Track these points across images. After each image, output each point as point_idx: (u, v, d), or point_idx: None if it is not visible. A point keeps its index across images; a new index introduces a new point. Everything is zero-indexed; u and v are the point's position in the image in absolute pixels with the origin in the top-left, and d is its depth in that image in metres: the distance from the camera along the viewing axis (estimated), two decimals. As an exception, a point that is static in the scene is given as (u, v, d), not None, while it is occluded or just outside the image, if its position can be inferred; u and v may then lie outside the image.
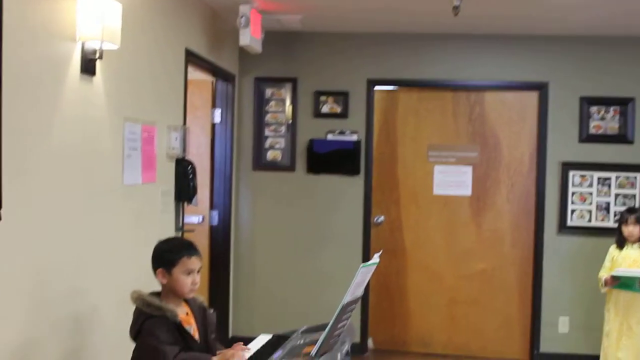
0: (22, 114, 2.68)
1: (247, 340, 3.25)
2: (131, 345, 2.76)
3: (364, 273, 2.68)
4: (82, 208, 3.25)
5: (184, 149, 4.54)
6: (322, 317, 3.44)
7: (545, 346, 5.95)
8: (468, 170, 6.08)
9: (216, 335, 2.99)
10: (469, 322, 6.12)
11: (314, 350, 2.56)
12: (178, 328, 2.72)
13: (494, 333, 6.10)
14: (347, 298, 2.58)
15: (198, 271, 2.88)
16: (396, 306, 6.20)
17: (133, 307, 2.77)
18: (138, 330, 2.72)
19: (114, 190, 3.61)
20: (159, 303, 2.71)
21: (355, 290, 2.66)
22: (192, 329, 2.85)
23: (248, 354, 2.79)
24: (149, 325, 2.68)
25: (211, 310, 2.99)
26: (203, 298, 3.02)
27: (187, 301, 2.92)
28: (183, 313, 2.85)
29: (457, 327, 6.14)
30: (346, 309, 2.64)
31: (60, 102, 3.01)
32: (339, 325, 2.68)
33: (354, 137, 6.00)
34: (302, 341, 2.96)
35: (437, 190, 6.12)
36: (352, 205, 6.05)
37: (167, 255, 2.83)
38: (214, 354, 2.87)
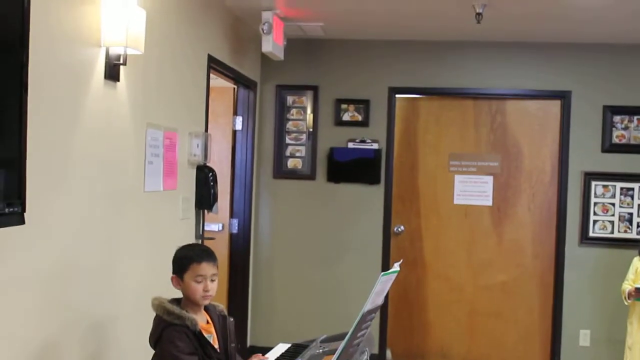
0: (47, 119, 2.70)
1: (265, 350, 3.25)
2: (148, 352, 2.75)
3: (384, 282, 2.66)
4: (103, 214, 3.26)
5: (206, 156, 4.55)
6: (341, 326, 3.43)
7: (566, 359, 5.88)
8: (489, 179, 6.05)
9: (236, 344, 2.96)
10: (489, 333, 6.07)
11: (333, 359, 2.54)
12: (198, 337, 2.70)
13: (514, 345, 6.04)
14: (367, 307, 2.56)
15: (212, 279, 2.83)
16: (415, 317, 6.16)
17: (151, 314, 2.76)
18: (158, 338, 2.71)
19: (135, 196, 3.62)
20: (179, 311, 2.70)
21: (376, 299, 2.64)
22: (212, 337, 2.84)
23: None
24: (169, 333, 2.67)
25: (231, 319, 2.96)
26: (223, 306, 3.00)
27: (207, 309, 2.90)
28: (203, 321, 2.83)
29: (476, 339, 6.10)
30: (366, 317, 2.62)
31: (85, 108, 3.03)
32: (359, 335, 2.66)
33: (375, 146, 5.98)
34: (320, 350, 2.95)
35: (458, 200, 6.09)
36: (372, 215, 6.03)
37: (179, 262, 2.84)
38: None
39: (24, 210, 2.19)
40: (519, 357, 6.02)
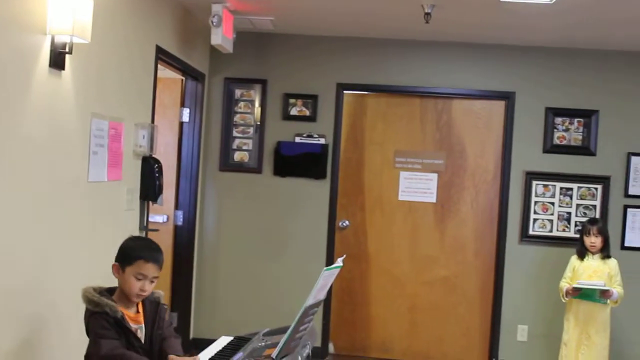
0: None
1: (208, 342, 3.24)
2: (85, 342, 2.74)
3: (327, 277, 2.69)
4: (46, 203, 3.21)
5: (152, 147, 4.51)
6: (284, 320, 3.45)
7: (504, 354, 6.02)
8: (434, 177, 6.13)
9: (165, 332, 2.90)
10: (430, 328, 6.17)
11: (275, 352, 2.56)
12: (119, 324, 2.68)
13: (454, 340, 6.15)
14: (309, 301, 2.59)
15: (152, 281, 2.79)
16: (358, 311, 6.22)
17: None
18: (87, 326, 2.72)
19: (79, 186, 3.57)
20: (98, 299, 2.67)
21: (318, 293, 2.67)
22: (142, 328, 2.81)
23: None
24: (92, 322, 2.68)
25: (165, 305, 2.93)
26: (162, 293, 2.97)
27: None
28: (132, 312, 2.80)
29: (417, 334, 6.19)
30: (308, 312, 2.65)
31: (28, 95, 2.98)
32: (301, 329, 2.68)
33: (322, 141, 6.01)
34: (263, 343, 2.96)
35: (403, 196, 6.16)
36: (317, 209, 6.07)
37: (126, 252, 2.80)
38: (160, 350, 2.82)
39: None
40: (459, 351, 6.13)
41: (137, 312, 2.82)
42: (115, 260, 2.79)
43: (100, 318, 2.64)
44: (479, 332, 6.13)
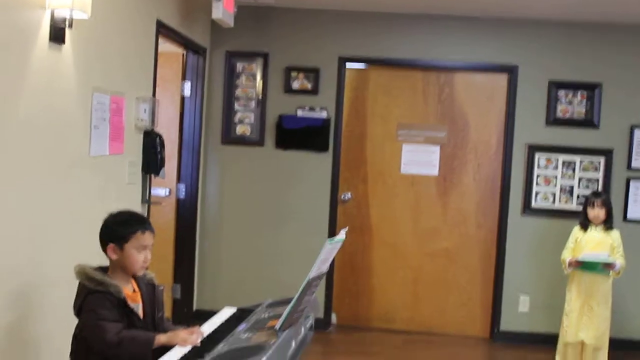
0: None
1: (211, 314, 3.26)
2: (71, 318, 2.71)
3: (330, 249, 2.71)
4: (47, 178, 3.23)
5: (153, 121, 4.51)
6: (287, 291, 3.47)
7: (506, 324, 6.06)
8: (436, 149, 6.13)
9: (163, 313, 2.89)
10: (432, 299, 6.20)
11: (278, 324, 2.59)
12: (122, 304, 2.63)
13: (456, 311, 6.19)
14: (312, 273, 2.61)
15: (150, 249, 2.77)
16: (361, 282, 6.26)
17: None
18: (80, 306, 2.63)
19: (80, 160, 3.58)
20: (101, 277, 2.62)
21: (321, 266, 2.69)
22: (139, 307, 2.77)
23: (199, 338, 2.69)
24: (91, 300, 2.59)
25: (161, 287, 2.90)
26: (153, 274, 2.91)
27: (135, 278, 2.83)
28: (129, 290, 2.77)
29: (420, 305, 6.23)
30: (311, 284, 2.67)
31: (28, 70, 2.98)
32: (304, 300, 2.71)
33: (324, 114, 6.00)
34: (266, 315, 2.99)
35: (405, 169, 6.16)
36: (319, 182, 6.08)
37: (119, 230, 2.72)
38: (160, 332, 2.78)
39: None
40: (460, 322, 6.18)
41: (134, 291, 2.80)
42: (108, 242, 2.71)
43: (103, 298, 2.59)
44: (480, 303, 6.17)
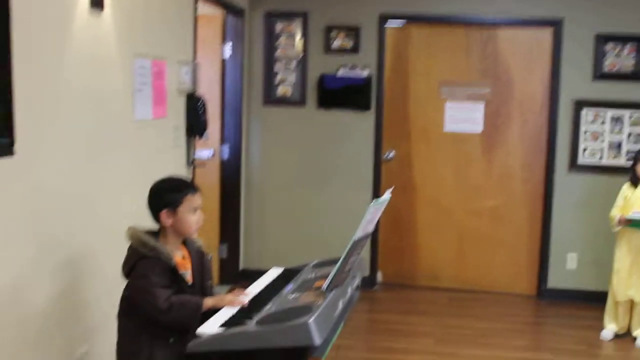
0: (32, 50, 2.67)
1: (257, 273, 3.28)
2: (120, 280, 2.74)
3: (375, 210, 2.70)
4: (92, 144, 3.26)
5: (195, 84, 4.52)
6: (332, 250, 3.49)
7: (553, 282, 6.01)
8: (480, 107, 6.04)
9: (212, 281, 2.91)
10: (478, 257, 6.18)
11: (325, 284, 2.60)
12: (172, 271, 2.65)
13: (502, 268, 6.16)
14: (358, 234, 2.61)
15: (200, 209, 2.79)
16: (406, 241, 6.25)
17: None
18: (130, 269, 2.66)
19: (125, 125, 3.61)
20: (154, 244, 2.64)
21: (367, 226, 2.69)
22: (188, 274, 2.80)
23: (247, 299, 2.71)
24: (142, 265, 2.62)
25: (209, 256, 2.93)
26: (202, 242, 2.93)
27: (185, 244, 2.85)
28: (179, 256, 2.79)
29: (465, 262, 6.20)
30: (357, 245, 2.67)
31: (70, 37, 2.99)
32: (350, 261, 2.71)
33: (365, 73, 5.95)
34: (313, 275, 3.00)
35: (448, 126, 6.09)
36: (362, 141, 6.05)
37: (171, 195, 2.73)
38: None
39: (12, 141, 2.18)
40: (507, 280, 6.15)
41: (184, 257, 2.82)
42: (161, 208, 2.72)
43: (155, 264, 2.61)
44: (527, 261, 6.12)
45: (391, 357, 4.64)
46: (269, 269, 3.23)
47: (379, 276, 6.26)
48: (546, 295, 6.02)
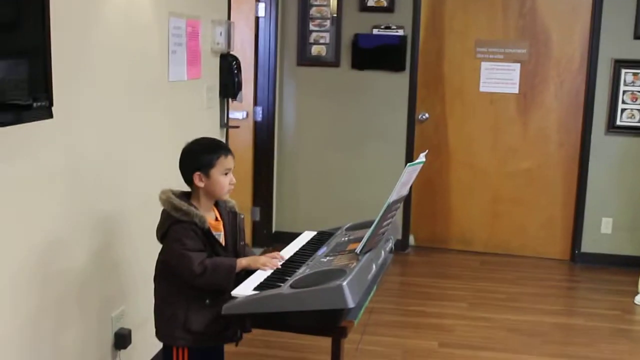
0: (68, 11, 2.66)
1: (290, 235, 3.29)
2: (153, 242, 2.75)
3: (410, 172, 2.68)
4: (128, 105, 3.26)
5: (229, 44, 4.49)
6: (364, 213, 3.48)
7: (587, 246, 5.95)
8: (516, 67, 5.94)
9: (245, 241, 2.90)
10: (511, 220, 6.13)
11: (358, 247, 2.59)
12: (206, 234, 2.65)
13: (536, 232, 6.11)
14: (392, 197, 2.59)
15: (232, 171, 2.78)
16: (438, 203, 6.22)
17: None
18: (164, 233, 2.67)
19: (160, 86, 3.61)
20: (187, 208, 2.62)
21: (401, 189, 2.67)
22: (221, 235, 2.79)
23: (280, 262, 2.73)
24: (176, 230, 2.61)
25: (242, 215, 2.90)
26: (234, 202, 2.90)
27: (217, 205, 2.84)
28: (212, 218, 2.78)
29: (498, 225, 6.16)
30: (391, 207, 2.66)
31: (105, -3, 2.98)
32: (384, 224, 2.70)
33: (400, 32, 5.86)
34: (346, 238, 3.00)
35: (484, 87, 6.01)
36: (396, 102, 5.99)
37: (204, 157, 2.71)
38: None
39: (51, 104, 2.19)
40: (540, 243, 6.10)
41: (217, 219, 2.82)
42: (194, 170, 2.70)
43: (188, 228, 2.61)
44: (561, 224, 6.06)
45: (424, 321, 4.65)
46: (301, 232, 3.23)
47: (411, 239, 6.26)
48: (580, 260, 5.97)
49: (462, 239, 6.23)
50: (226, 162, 2.74)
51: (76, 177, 2.85)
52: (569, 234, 6.03)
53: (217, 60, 4.46)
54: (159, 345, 3.54)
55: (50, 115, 2.20)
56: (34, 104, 2.12)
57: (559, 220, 6.06)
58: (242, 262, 2.65)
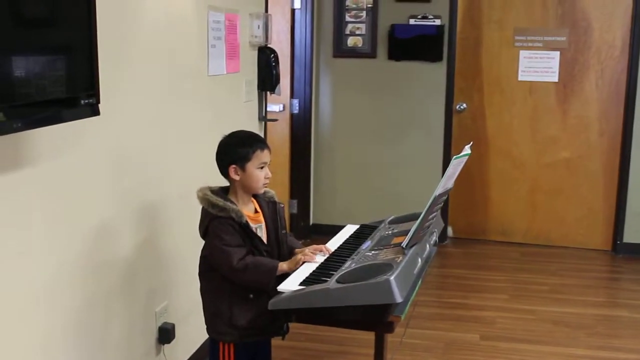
0: (109, 6, 2.66)
1: (327, 228, 3.27)
2: (195, 236, 2.76)
3: (456, 165, 2.65)
4: (169, 100, 3.27)
5: (267, 37, 4.48)
6: (402, 205, 3.47)
7: (629, 237, 5.85)
8: (555, 55, 5.85)
9: (286, 230, 2.90)
10: (551, 211, 6.05)
11: (405, 241, 2.57)
12: (244, 228, 2.64)
13: (576, 222, 6.02)
14: (438, 190, 2.56)
15: (268, 165, 2.77)
16: (477, 194, 6.16)
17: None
18: (205, 230, 2.68)
19: (200, 81, 3.61)
20: (223, 203, 2.62)
21: (447, 182, 2.64)
22: (262, 227, 2.79)
23: (325, 255, 2.73)
24: (215, 226, 2.62)
25: (281, 204, 2.89)
26: (273, 192, 2.90)
27: (256, 196, 2.83)
28: (251, 211, 2.77)
29: (538, 216, 6.09)
30: (437, 201, 2.63)
31: (144, -9, 2.98)
32: (430, 217, 2.68)
33: (437, 22, 5.81)
34: (390, 232, 2.97)
35: (523, 76, 5.93)
36: (434, 93, 5.94)
37: (240, 150, 2.70)
38: (285, 251, 2.83)
39: (98, 100, 2.20)
40: (580, 234, 6.02)
41: (256, 211, 2.81)
42: (229, 163, 2.70)
43: (226, 223, 2.61)
44: (602, 215, 5.97)
45: (465, 314, 4.61)
46: (339, 224, 3.22)
47: (450, 231, 6.21)
48: (621, 250, 5.87)
49: (501, 230, 6.17)
50: (262, 155, 2.72)
51: (120, 171, 2.87)
52: (611, 224, 5.93)
53: (255, 54, 4.45)
54: (201, 340, 3.60)
55: (97, 113, 2.20)
56: (82, 102, 2.12)
57: (599, 211, 5.97)
58: (284, 267, 2.63)
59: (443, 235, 6.10)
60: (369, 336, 2.75)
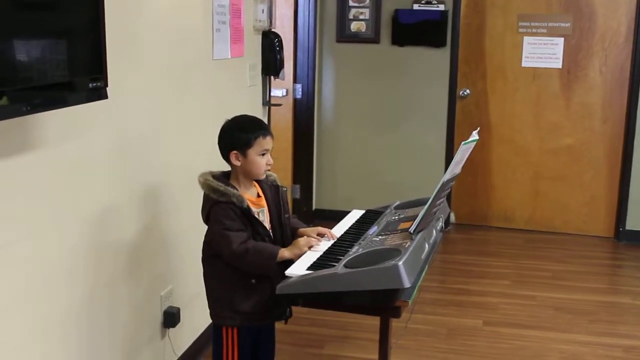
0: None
1: (330, 213, 3.26)
2: (199, 221, 2.75)
3: (464, 151, 2.65)
4: (172, 85, 3.25)
5: (271, 22, 4.46)
6: (405, 191, 3.46)
7: (632, 223, 5.85)
8: (559, 41, 5.83)
9: (289, 214, 2.87)
10: (554, 197, 6.05)
11: (412, 226, 2.56)
12: (245, 213, 2.63)
13: (579, 209, 6.02)
14: (446, 176, 2.56)
15: (270, 151, 2.74)
16: (479, 180, 6.16)
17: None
18: (207, 215, 2.66)
19: (205, 65, 3.59)
20: (224, 188, 2.60)
21: (455, 168, 2.64)
22: (264, 211, 2.78)
23: (331, 241, 2.71)
24: (216, 211, 2.60)
25: (284, 188, 2.88)
26: (276, 176, 2.89)
27: (258, 180, 2.80)
28: (253, 196, 2.75)
29: (540, 203, 6.09)
30: (445, 186, 2.62)
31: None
32: (437, 203, 2.67)
33: (441, 7, 5.78)
34: (396, 217, 2.97)
35: (526, 62, 5.91)
36: (437, 78, 5.92)
37: (241, 136, 2.67)
38: (289, 233, 2.82)
39: (106, 84, 2.18)
40: (583, 221, 6.02)
41: (259, 195, 2.80)
42: (231, 149, 2.67)
43: (227, 208, 2.59)
44: (605, 202, 5.97)
45: (468, 299, 4.62)
46: (342, 209, 3.21)
47: (452, 217, 6.21)
48: (624, 237, 5.88)
49: (503, 217, 6.17)
50: (264, 142, 2.69)
51: (125, 154, 2.86)
52: (613, 211, 5.93)
53: (259, 38, 4.42)
54: (206, 324, 3.60)
55: (105, 96, 2.19)
56: (90, 85, 2.11)
57: (602, 197, 5.96)
58: (285, 254, 2.60)
59: (446, 222, 6.07)
60: (372, 321, 2.75)
